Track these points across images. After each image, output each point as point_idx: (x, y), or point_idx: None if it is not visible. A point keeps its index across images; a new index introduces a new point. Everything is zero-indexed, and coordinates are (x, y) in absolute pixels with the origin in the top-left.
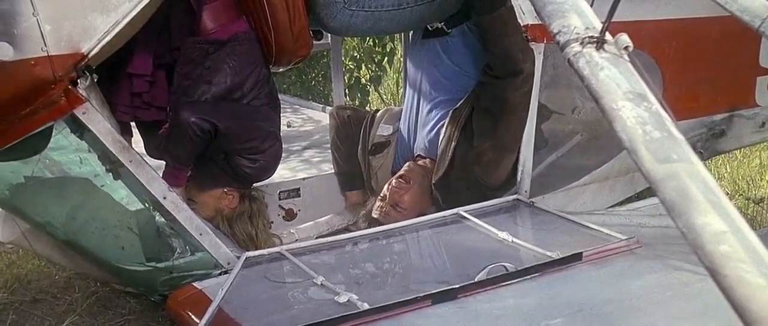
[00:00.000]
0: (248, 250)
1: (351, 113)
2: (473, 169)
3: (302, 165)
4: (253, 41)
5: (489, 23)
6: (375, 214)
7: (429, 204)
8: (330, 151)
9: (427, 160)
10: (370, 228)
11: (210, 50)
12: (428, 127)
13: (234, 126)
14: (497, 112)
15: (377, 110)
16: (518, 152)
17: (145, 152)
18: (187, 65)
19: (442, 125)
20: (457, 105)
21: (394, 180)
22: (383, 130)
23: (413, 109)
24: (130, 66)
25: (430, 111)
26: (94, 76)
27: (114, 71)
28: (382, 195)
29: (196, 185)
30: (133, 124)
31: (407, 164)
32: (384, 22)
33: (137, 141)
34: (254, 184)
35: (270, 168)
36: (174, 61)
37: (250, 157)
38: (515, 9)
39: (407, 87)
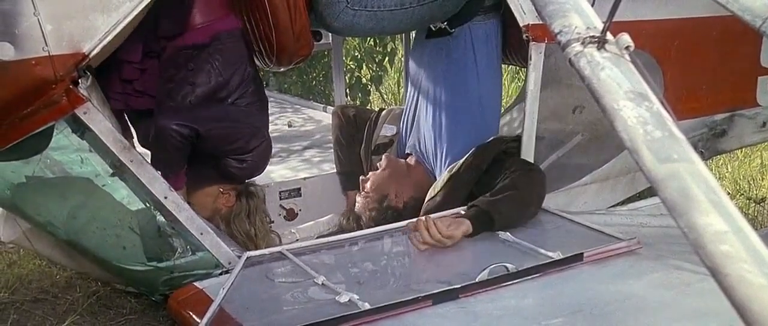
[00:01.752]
0: (248, 249)
1: (355, 112)
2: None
3: (303, 164)
4: (237, 39)
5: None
6: (356, 208)
7: (394, 188)
8: (332, 149)
9: (413, 159)
10: (355, 224)
11: (193, 54)
12: (422, 126)
13: (216, 128)
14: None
15: (381, 110)
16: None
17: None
18: (170, 70)
19: (439, 136)
20: (455, 166)
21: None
22: (387, 131)
23: (411, 109)
24: (120, 52)
25: (427, 110)
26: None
27: (105, 59)
28: None
29: (190, 186)
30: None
31: (384, 156)
32: (386, 22)
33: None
34: (252, 179)
35: (259, 168)
36: (164, 49)
37: (236, 158)
38: (516, 8)
39: (408, 86)
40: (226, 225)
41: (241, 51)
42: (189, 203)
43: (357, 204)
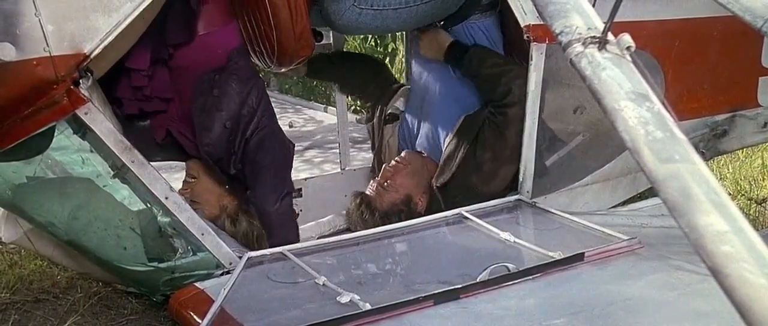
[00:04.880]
0: (253, 249)
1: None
2: (471, 178)
3: (304, 165)
4: (245, 55)
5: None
6: (368, 191)
7: (419, 192)
8: (332, 149)
9: (426, 155)
10: (359, 208)
11: (215, 78)
12: (431, 122)
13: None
14: (501, 125)
15: (402, 84)
16: (517, 161)
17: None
18: (200, 98)
19: (444, 126)
20: (471, 112)
21: (392, 162)
22: (400, 103)
23: (418, 105)
24: (128, 60)
25: (433, 107)
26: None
27: (115, 65)
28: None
29: (199, 184)
30: None
31: (405, 151)
32: (390, 21)
33: None
34: None
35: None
36: (170, 56)
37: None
38: (516, 8)
39: (412, 79)
40: (232, 224)
41: (251, 65)
42: (195, 203)
43: (373, 190)
